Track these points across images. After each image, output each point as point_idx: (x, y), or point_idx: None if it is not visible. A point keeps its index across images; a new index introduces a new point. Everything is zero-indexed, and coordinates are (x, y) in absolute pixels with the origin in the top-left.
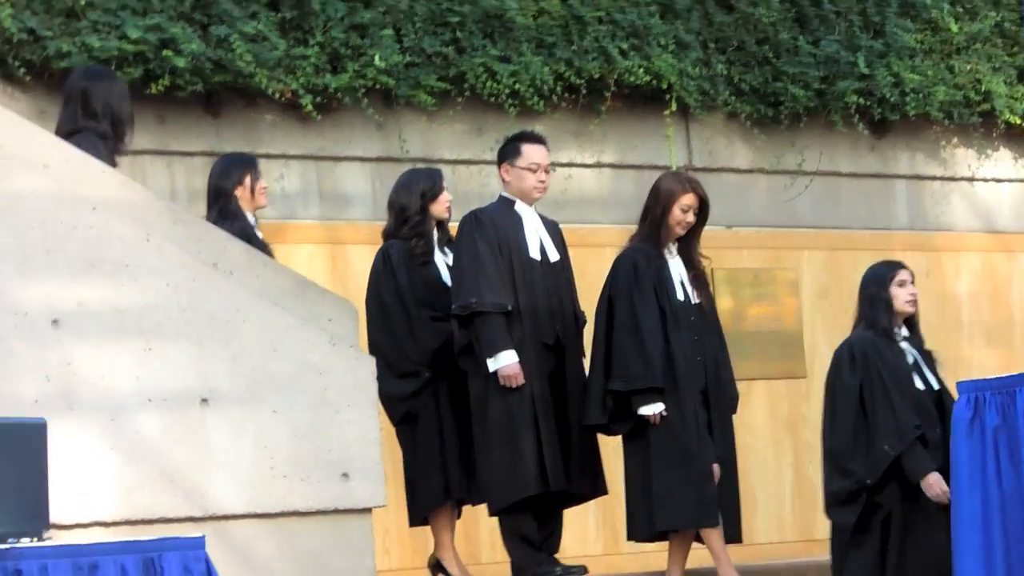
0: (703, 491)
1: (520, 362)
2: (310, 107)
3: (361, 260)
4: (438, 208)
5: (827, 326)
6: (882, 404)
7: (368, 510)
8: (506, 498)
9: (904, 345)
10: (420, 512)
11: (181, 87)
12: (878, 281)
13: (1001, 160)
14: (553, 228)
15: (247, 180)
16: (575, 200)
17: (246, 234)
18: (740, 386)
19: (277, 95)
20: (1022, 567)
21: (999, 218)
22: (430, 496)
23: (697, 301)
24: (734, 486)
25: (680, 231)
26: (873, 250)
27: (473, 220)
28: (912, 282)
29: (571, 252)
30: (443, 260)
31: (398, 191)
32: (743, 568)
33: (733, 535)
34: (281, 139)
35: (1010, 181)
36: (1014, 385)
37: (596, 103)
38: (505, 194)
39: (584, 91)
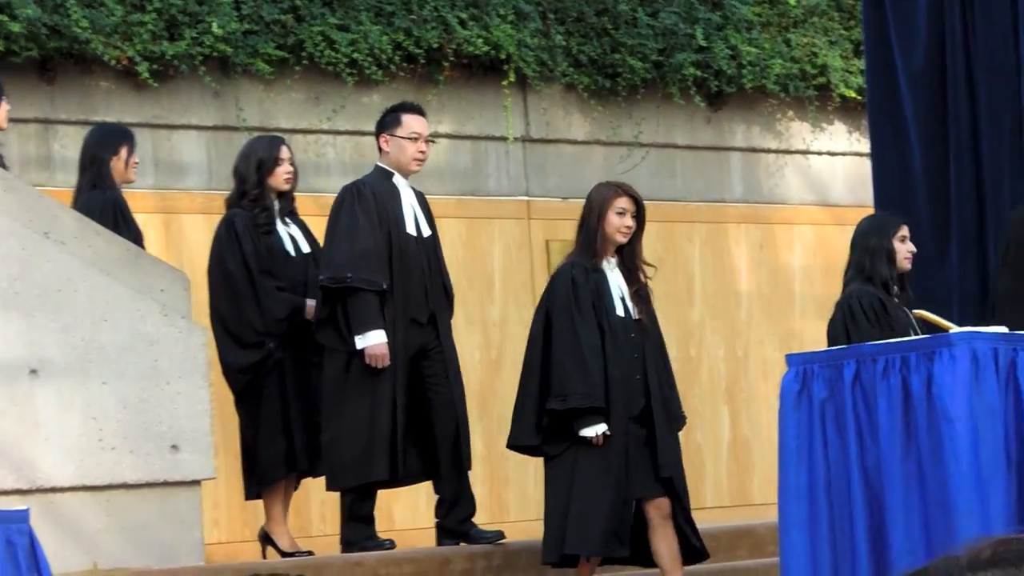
0: (620, 520)
1: (388, 342)
2: (146, 74)
3: (196, 230)
4: (275, 180)
5: (661, 297)
6: None
7: (197, 482)
8: (353, 480)
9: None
10: (258, 484)
11: (16, 53)
12: (881, 232)
13: (836, 134)
14: (422, 200)
15: (123, 152)
16: None
17: (119, 206)
18: None
19: (113, 62)
20: (846, 538)
21: (833, 191)
22: (271, 468)
23: (637, 317)
24: (686, 504)
25: (620, 238)
26: (708, 222)
27: (355, 192)
28: (909, 238)
29: None
30: (286, 231)
31: (239, 160)
32: None
33: (701, 551)
34: (117, 107)
35: (844, 155)
36: (841, 358)
37: (434, 73)
38: (382, 165)
39: (422, 61)
